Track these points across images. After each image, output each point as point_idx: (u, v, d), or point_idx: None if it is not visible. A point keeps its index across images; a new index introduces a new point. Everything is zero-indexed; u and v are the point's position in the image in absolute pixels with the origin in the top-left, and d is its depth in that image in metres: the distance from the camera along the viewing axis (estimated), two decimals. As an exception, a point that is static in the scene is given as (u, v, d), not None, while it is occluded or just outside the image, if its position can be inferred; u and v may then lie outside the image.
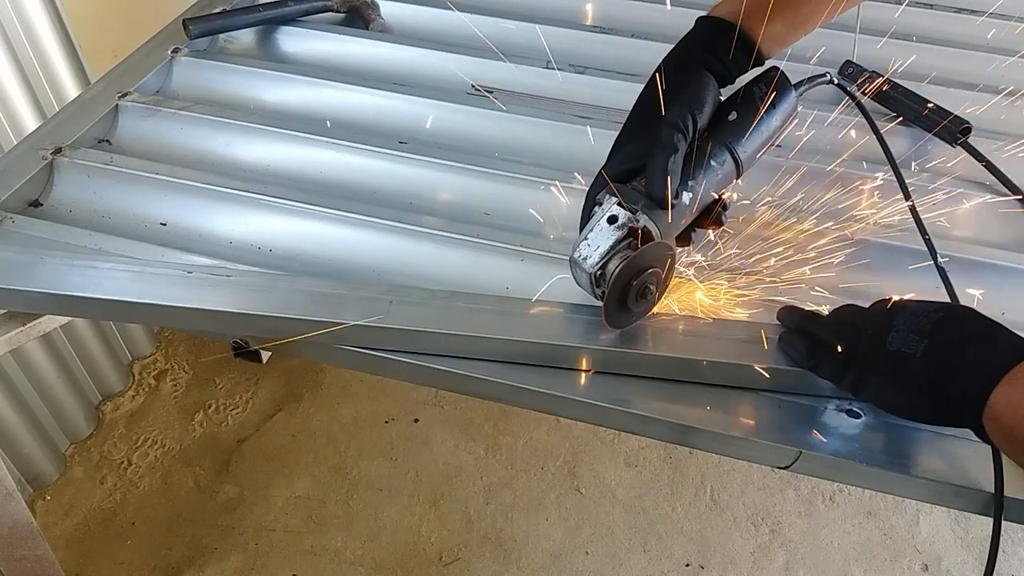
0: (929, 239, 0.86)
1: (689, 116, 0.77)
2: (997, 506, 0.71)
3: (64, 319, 1.06)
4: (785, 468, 0.79)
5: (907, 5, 1.41)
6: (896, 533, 1.86)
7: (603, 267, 0.77)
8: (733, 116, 0.81)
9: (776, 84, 0.82)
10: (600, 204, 0.80)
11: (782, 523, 1.87)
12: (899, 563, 1.81)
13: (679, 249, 0.83)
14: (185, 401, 2.10)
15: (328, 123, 1.10)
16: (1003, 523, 0.73)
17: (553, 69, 1.21)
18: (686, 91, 0.78)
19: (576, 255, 0.78)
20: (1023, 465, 0.66)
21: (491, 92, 1.17)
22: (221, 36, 1.31)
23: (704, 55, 0.80)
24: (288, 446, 2.00)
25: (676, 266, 0.81)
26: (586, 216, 0.82)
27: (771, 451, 0.79)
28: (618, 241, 0.76)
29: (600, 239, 0.77)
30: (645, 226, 0.76)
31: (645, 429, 0.82)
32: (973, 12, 1.41)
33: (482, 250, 0.93)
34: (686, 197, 0.78)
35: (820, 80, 0.87)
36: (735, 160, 0.81)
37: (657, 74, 0.81)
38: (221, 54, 1.30)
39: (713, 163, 0.79)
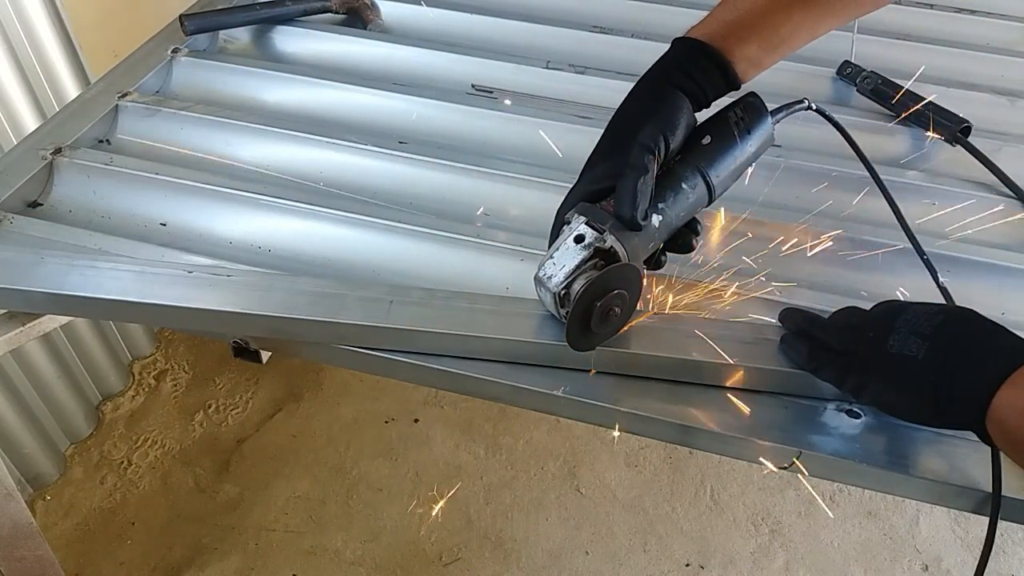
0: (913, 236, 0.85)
1: (661, 137, 0.75)
2: (994, 504, 0.71)
3: (64, 319, 1.06)
4: (785, 469, 0.79)
5: (907, 5, 1.41)
6: (896, 533, 1.86)
7: (567, 287, 0.76)
8: (707, 140, 0.79)
9: (752, 110, 0.81)
10: (568, 223, 0.79)
11: (782, 523, 1.87)
12: (899, 563, 1.81)
13: (648, 272, 0.82)
14: (185, 401, 2.10)
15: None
16: (1003, 523, 0.73)
17: (553, 69, 1.21)
18: (659, 112, 0.77)
19: (541, 273, 0.77)
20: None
21: (491, 92, 1.17)
22: (221, 37, 1.31)
23: (679, 77, 0.79)
24: (288, 446, 2.00)
25: (643, 290, 0.79)
26: (554, 235, 0.80)
27: (771, 451, 0.79)
28: (584, 261, 0.75)
29: (566, 258, 0.76)
30: (612, 247, 0.75)
31: (645, 429, 0.82)
32: (973, 12, 1.41)
33: (482, 250, 0.93)
34: (655, 219, 0.77)
35: (798, 107, 0.86)
36: (707, 184, 0.79)
37: (631, 95, 0.80)
38: (221, 54, 1.30)
39: (684, 186, 0.78)
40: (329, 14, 1.34)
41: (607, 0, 1.38)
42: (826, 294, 0.89)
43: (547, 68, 1.21)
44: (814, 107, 0.86)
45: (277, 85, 1.19)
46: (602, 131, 0.81)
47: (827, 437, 0.78)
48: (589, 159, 0.81)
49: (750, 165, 0.82)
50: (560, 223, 0.80)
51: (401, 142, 1.07)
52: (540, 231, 0.96)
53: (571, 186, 0.81)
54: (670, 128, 0.76)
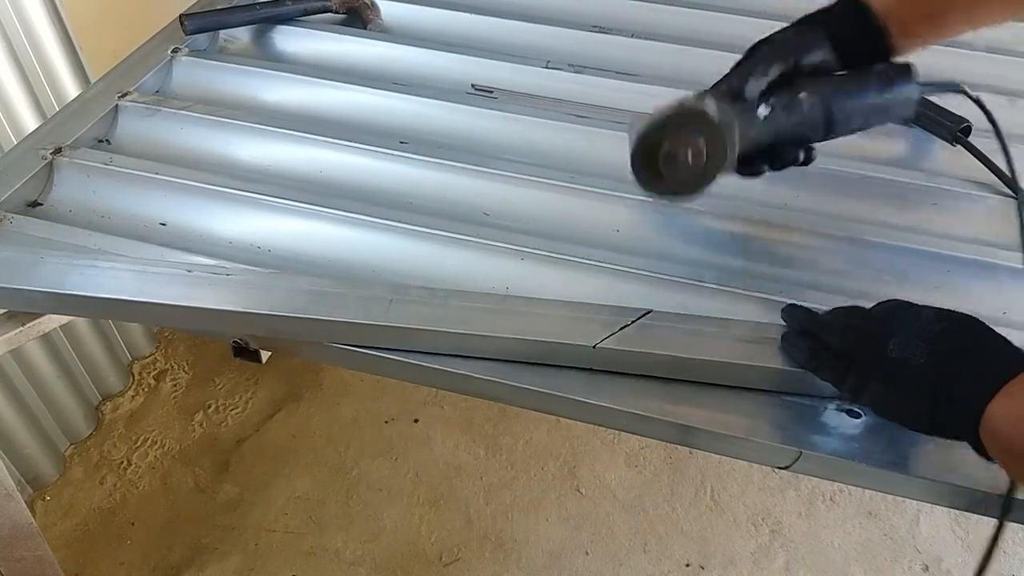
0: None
1: (797, 41, 0.80)
2: (1004, 505, 0.71)
3: (64, 319, 1.06)
4: (785, 468, 0.79)
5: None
6: (897, 533, 1.86)
7: (651, 125, 0.79)
8: (842, 73, 0.81)
9: (899, 68, 0.81)
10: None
11: (782, 523, 1.87)
12: (899, 563, 1.81)
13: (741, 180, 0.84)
14: (185, 401, 2.10)
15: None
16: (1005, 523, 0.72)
17: (553, 69, 1.21)
18: (802, 35, 0.81)
19: (636, 119, 0.80)
20: (1022, 479, 0.66)
21: (491, 92, 1.17)
22: (221, 36, 1.31)
23: (833, 25, 0.81)
24: (288, 446, 2.00)
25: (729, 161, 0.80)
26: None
27: (771, 451, 0.79)
28: (685, 108, 0.78)
29: (662, 108, 0.79)
30: (703, 107, 0.77)
31: (645, 429, 0.81)
32: (973, 12, 1.40)
33: (482, 250, 0.93)
34: (762, 109, 0.78)
35: (950, 87, 0.87)
36: (826, 110, 0.80)
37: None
38: (221, 54, 1.30)
39: (800, 97, 0.79)
40: (329, 14, 1.34)
41: (607, 0, 1.38)
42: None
43: (547, 68, 1.21)
44: (968, 92, 0.87)
45: (277, 85, 1.19)
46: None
47: (827, 437, 0.78)
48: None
49: (880, 120, 0.83)
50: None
51: (401, 142, 1.07)
52: (540, 231, 0.96)
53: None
54: (805, 46, 0.80)
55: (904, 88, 0.81)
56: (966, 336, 0.69)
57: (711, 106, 0.77)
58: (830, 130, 0.81)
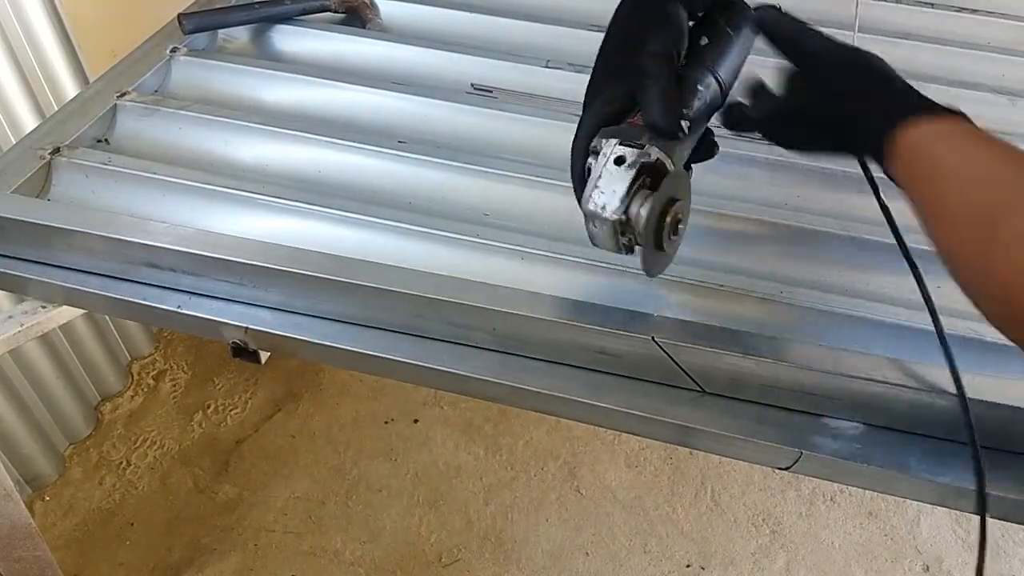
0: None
1: (672, 44, 0.74)
2: (980, 502, 0.70)
3: (63, 319, 1.06)
4: (786, 469, 0.79)
5: (908, 4, 1.41)
6: (897, 534, 1.86)
7: (626, 211, 0.71)
8: (704, 42, 0.78)
9: (732, 7, 0.80)
10: (597, 152, 0.73)
11: (783, 524, 1.87)
12: (900, 564, 1.81)
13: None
14: (184, 401, 2.10)
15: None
16: (1004, 523, 0.72)
17: (553, 68, 1.21)
18: (664, 21, 0.75)
19: (591, 206, 0.71)
20: (918, 205, 0.64)
21: (491, 91, 1.17)
22: (220, 36, 1.30)
23: None
24: (287, 446, 2.00)
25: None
26: (579, 170, 0.76)
27: (772, 452, 0.78)
28: (633, 180, 0.70)
29: (614, 183, 0.70)
30: (658, 159, 0.71)
31: (645, 429, 0.81)
32: (974, 11, 1.40)
33: (482, 250, 0.93)
34: (684, 125, 0.73)
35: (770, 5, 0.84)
36: (719, 83, 0.77)
37: (621, 12, 0.79)
38: (220, 53, 1.30)
39: (700, 87, 0.76)
40: (328, 13, 1.34)
41: (607, 0, 1.38)
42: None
43: (547, 68, 1.21)
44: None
45: (276, 84, 1.19)
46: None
47: (828, 438, 0.78)
48: (592, 86, 0.79)
49: (743, 62, 0.81)
50: (583, 156, 0.75)
51: (400, 141, 1.07)
52: (540, 231, 0.96)
53: (579, 119, 0.78)
54: (677, 35, 0.75)
55: (746, 23, 0.80)
56: (881, 64, 0.71)
57: (667, 161, 0.72)
58: (723, 100, 0.79)
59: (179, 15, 1.25)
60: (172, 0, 1.35)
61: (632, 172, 0.70)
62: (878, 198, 0.77)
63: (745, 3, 0.81)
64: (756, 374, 0.79)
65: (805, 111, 0.74)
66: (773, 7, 0.77)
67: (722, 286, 0.88)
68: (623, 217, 0.71)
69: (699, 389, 0.81)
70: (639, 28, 0.76)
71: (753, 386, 0.80)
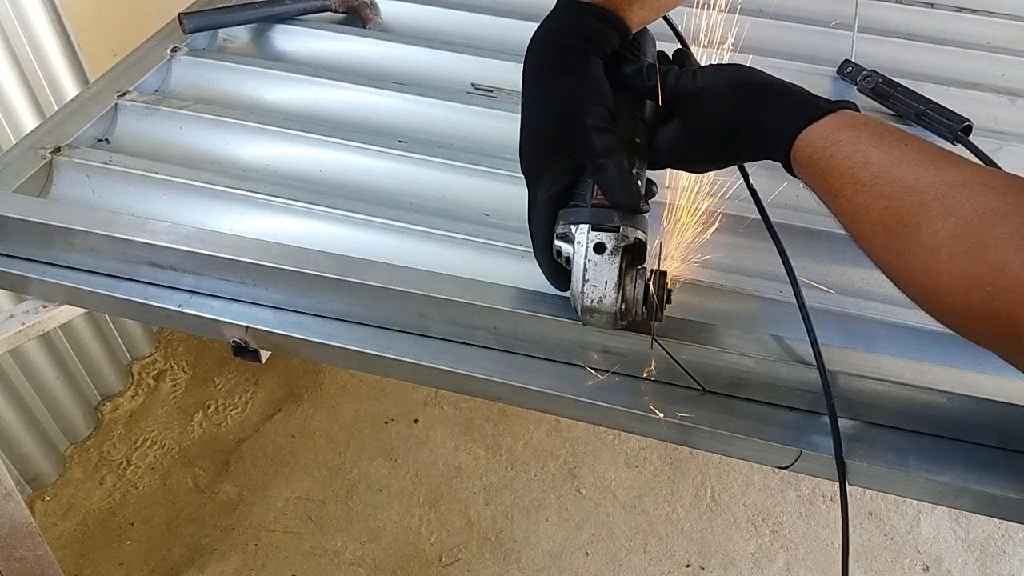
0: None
1: (606, 111, 0.73)
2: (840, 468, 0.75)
3: (64, 318, 1.06)
4: (786, 468, 0.79)
5: (908, 4, 1.41)
6: (897, 534, 1.86)
7: (623, 299, 0.73)
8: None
9: (638, 43, 0.80)
10: (568, 239, 0.74)
11: (783, 524, 1.87)
12: (900, 564, 1.81)
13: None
14: (184, 401, 2.10)
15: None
16: (1004, 523, 0.72)
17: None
18: (594, 88, 0.74)
19: (587, 303, 0.73)
20: (829, 204, 0.66)
21: (491, 91, 1.17)
22: (220, 35, 1.31)
23: (582, 42, 0.76)
24: (287, 446, 2.00)
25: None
26: (547, 255, 0.76)
27: (772, 451, 0.78)
28: (619, 266, 0.72)
29: (603, 274, 0.72)
30: (636, 238, 0.72)
31: (645, 429, 0.81)
32: (974, 11, 1.40)
33: (482, 250, 0.93)
34: (643, 192, 0.75)
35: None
36: (647, 135, 0.78)
37: (537, 77, 0.77)
38: (220, 53, 1.30)
39: (639, 141, 0.76)
40: (328, 13, 1.34)
41: None
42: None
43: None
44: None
45: (276, 84, 1.19)
46: None
47: (827, 437, 0.78)
48: (530, 162, 0.76)
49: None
50: (548, 243, 0.76)
51: (401, 141, 1.07)
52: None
53: (528, 196, 0.77)
54: (607, 98, 0.74)
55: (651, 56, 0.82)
56: (763, 76, 0.73)
57: (643, 236, 0.73)
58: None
59: (180, 15, 1.25)
60: (172, 0, 1.35)
61: (617, 258, 0.72)
62: (747, 183, 0.83)
63: (643, 36, 0.82)
64: (756, 373, 0.79)
65: (705, 140, 0.75)
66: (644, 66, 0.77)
67: (722, 286, 0.89)
68: (622, 306, 0.73)
69: (699, 388, 0.81)
70: (569, 99, 0.74)
71: (753, 385, 0.80)
